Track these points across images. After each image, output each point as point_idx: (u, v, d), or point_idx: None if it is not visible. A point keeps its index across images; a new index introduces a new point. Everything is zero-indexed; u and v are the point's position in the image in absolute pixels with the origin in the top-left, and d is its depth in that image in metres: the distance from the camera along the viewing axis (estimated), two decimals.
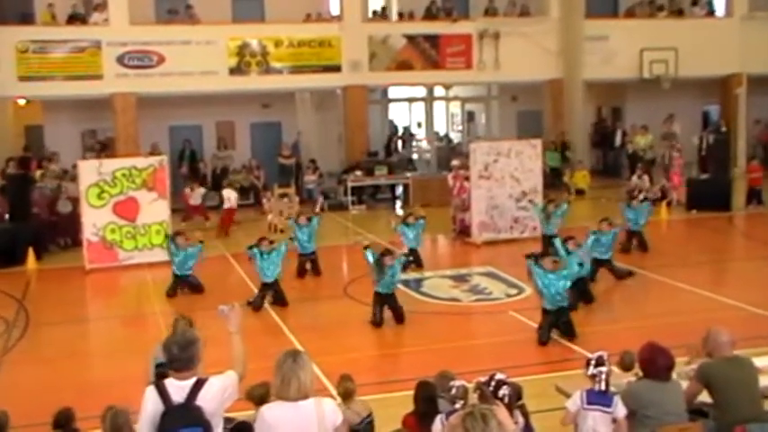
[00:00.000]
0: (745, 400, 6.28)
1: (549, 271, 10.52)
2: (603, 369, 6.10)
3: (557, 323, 10.57)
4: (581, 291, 11.96)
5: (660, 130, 25.17)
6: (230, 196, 19.63)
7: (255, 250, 12.68)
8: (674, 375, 6.41)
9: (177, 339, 4.97)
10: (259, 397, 6.20)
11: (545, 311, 10.59)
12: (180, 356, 4.91)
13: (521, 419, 5.92)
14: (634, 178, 22.29)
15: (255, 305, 12.50)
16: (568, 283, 10.61)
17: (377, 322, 11.45)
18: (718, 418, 6.35)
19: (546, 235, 15.34)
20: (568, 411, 6.15)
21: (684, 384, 6.54)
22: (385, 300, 11.57)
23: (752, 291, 12.78)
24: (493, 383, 5.84)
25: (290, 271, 14.43)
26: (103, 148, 23.41)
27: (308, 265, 14.77)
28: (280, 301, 12.73)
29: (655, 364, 6.24)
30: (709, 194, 20.20)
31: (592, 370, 6.11)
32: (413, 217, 15.47)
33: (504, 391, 5.79)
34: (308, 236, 14.67)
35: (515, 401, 6.02)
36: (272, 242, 12.96)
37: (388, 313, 11.63)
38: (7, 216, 17.61)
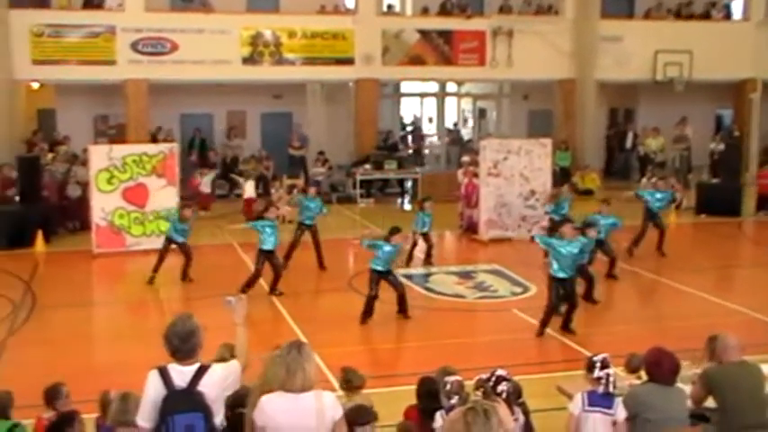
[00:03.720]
0: (751, 407, 6.25)
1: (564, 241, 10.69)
2: (610, 371, 6.07)
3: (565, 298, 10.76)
4: (586, 291, 11.99)
5: (672, 133, 25.11)
6: (247, 187, 19.65)
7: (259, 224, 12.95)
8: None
9: (177, 331, 4.95)
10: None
11: (556, 279, 10.66)
12: (181, 347, 4.93)
13: (521, 417, 5.91)
14: (644, 180, 22.27)
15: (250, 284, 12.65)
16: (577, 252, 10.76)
17: (372, 296, 11.45)
18: (722, 423, 6.32)
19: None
20: (571, 415, 6.07)
21: (687, 389, 6.52)
22: (381, 276, 11.56)
23: (758, 297, 12.74)
24: (493, 379, 5.84)
25: (295, 264, 14.49)
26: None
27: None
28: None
29: (660, 367, 6.21)
30: (719, 199, 20.14)
31: (598, 372, 6.04)
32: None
33: (503, 386, 5.78)
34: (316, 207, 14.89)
35: (515, 399, 6.01)
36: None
37: (389, 307, 11.64)
38: (17, 198, 17.68)
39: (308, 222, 14.86)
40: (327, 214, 15.63)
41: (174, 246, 13.97)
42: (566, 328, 10.83)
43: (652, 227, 15.45)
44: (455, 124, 29.55)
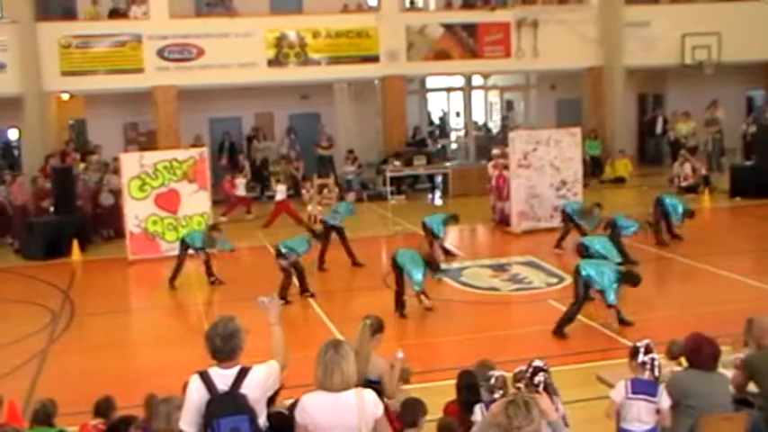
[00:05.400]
0: None
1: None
2: (654, 356, 6.03)
3: None
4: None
5: (703, 116, 24.83)
6: (279, 190, 19.71)
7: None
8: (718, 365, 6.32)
9: (219, 332, 4.97)
10: None
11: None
12: (223, 348, 4.95)
13: (561, 407, 5.89)
14: (676, 165, 22.05)
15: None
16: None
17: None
18: (763, 408, 6.26)
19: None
20: (613, 402, 6.05)
21: (729, 374, 6.45)
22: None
23: None
24: (530, 370, 5.82)
25: (330, 262, 14.53)
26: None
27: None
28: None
29: (701, 353, 6.16)
30: (753, 182, 19.88)
31: (642, 357, 6.01)
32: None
33: (540, 377, 5.77)
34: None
35: (552, 388, 5.97)
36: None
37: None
38: (52, 209, 17.90)
39: (332, 222, 14.84)
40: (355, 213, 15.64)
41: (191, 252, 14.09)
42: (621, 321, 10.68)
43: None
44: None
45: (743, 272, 13.08)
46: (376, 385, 6.37)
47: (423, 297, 11.70)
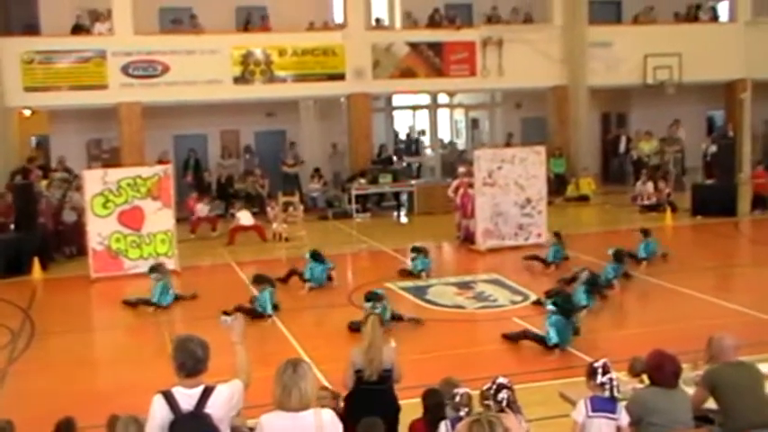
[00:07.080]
0: (752, 407, 6.25)
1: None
2: (612, 376, 6.07)
3: None
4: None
5: (665, 135, 25.18)
6: (242, 216, 19.57)
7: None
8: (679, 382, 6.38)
9: (198, 343, 4.92)
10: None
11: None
12: (204, 357, 4.89)
13: (525, 425, 5.90)
14: (638, 184, 22.33)
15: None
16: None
17: None
18: (724, 424, 6.32)
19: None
20: (575, 423, 6.06)
21: (690, 391, 6.52)
22: None
23: (757, 296, 12.72)
24: (494, 387, 5.84)
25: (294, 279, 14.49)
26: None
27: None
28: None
29: (662, 370, 6.21)
30: (714, 200, 20.17)
31: (600, 378, 6.04)
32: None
33: (503, 394, 5.79)
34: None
35: (515, 406, 5.99)
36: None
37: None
38: (12, 226, 17.64)
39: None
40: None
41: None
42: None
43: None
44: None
45: (704, 289, 13.23)
46: (389, 373, 6.85)
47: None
